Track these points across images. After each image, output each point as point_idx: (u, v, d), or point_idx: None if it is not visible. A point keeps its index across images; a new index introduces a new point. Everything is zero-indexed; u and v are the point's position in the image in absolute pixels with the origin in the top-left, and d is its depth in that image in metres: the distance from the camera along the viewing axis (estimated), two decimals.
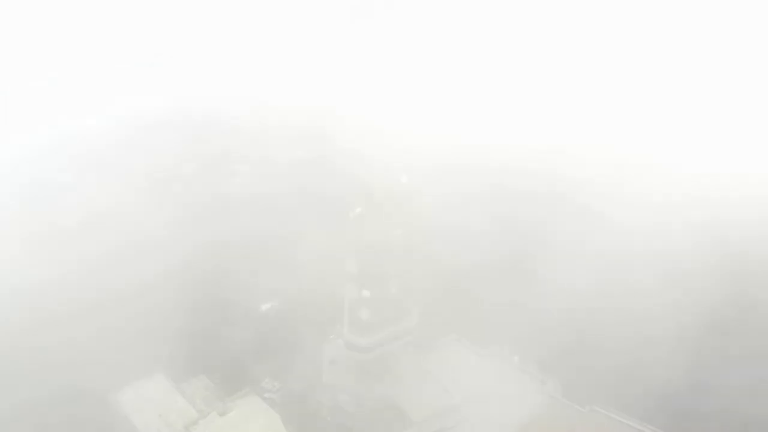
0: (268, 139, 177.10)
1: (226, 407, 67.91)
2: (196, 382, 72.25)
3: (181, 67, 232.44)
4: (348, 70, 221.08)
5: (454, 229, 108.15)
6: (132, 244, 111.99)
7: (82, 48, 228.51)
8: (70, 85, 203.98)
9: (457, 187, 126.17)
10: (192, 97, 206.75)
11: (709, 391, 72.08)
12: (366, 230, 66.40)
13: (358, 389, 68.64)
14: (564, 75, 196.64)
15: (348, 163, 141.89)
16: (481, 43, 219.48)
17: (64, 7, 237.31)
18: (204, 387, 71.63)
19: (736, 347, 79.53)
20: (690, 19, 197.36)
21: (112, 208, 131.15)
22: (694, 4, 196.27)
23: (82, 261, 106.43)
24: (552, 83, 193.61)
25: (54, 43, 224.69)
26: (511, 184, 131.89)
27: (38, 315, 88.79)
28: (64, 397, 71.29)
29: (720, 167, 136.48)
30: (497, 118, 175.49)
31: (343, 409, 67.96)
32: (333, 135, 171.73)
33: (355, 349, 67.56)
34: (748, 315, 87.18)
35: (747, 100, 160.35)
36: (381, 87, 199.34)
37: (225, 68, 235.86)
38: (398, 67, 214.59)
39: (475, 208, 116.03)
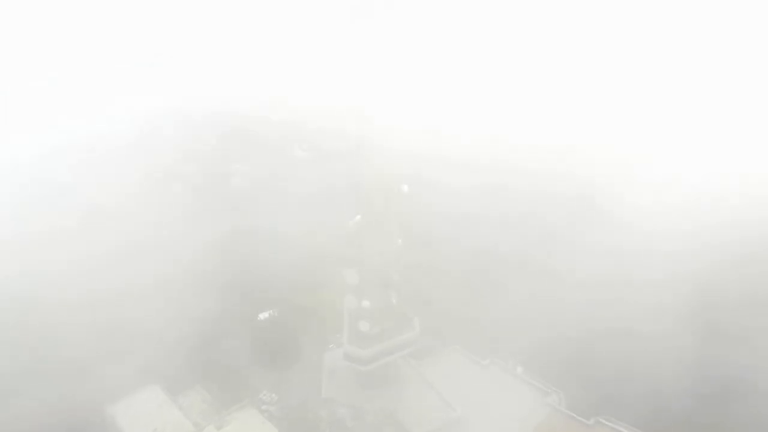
0: (268, 139, 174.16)
1: (223, 420, 64.86)
2: (193, 394, 69.02)
3: (181, 67, 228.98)
4: (348, 69, 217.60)
5: (455, 236, 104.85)
6: (129, 247, 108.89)
7: (82, 48, 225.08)
8: (70, 85, 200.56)
9: (455, 191, 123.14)
10: (192, 97, 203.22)
11: (720, 403, 68.98)
12: (366, 239, 63.40)
13: (357, 402, 65.70)
14: (571, 74, 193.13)
15: (348, 164, 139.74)
16: (485, 43, 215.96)
17: (64, 7, 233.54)
18: (201, 399, 68.44)
19: (749, 355, 76.19)
20: (706, 20, 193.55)
21: (111, 209, 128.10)
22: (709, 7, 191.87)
23: (77, 264, 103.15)
24: (555, 82, 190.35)
25: (54, 43, 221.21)
26: (514, 186, 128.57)
27: (30, 322, 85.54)
28: (56, 409, 68.19)
29: (731, 167, 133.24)
30: (498, 116, 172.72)
31: (342, 422, 64.94)
32: (333, 134, 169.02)
33: (354, 360, 64.50)
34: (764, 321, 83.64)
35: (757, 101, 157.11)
36: (381, 86, 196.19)
37: (225, 68, 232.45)
38: (398, 66, 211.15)
39: (477, 211, 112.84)
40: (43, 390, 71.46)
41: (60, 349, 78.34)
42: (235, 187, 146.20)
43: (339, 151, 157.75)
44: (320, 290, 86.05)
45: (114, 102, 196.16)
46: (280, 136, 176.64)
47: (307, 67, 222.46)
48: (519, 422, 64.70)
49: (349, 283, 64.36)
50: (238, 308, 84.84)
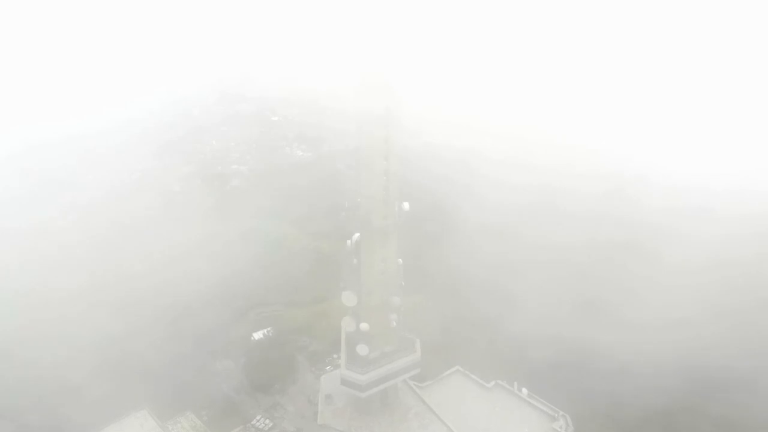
0: (268, 139, 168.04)
1: None
2: (183, 420, 63.52)
3: (182, 66, 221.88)
4: (345, 69, 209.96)
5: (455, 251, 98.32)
6: (119, 251, 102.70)
7: (82, 48, 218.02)
8: (69, 85, 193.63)
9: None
10: (191, 97, 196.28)
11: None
12: (364, 259, 57.52)
13: (355, 429, 60.17)
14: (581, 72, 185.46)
15: (348, 166, 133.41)
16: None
17: (64, 7, 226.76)
18: (191, 426, 62.99)
19: None
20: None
21: (107, 209, 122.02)
22: None
23: (70, 271, 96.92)
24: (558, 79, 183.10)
25: (54, 43, 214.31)
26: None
27: (15, 342, 79.06)
28: None
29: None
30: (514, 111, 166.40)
31: None
32: (333, 135, 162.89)
33: (352, 387, 58.99)
34: None
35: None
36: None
37: (225, 68, 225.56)
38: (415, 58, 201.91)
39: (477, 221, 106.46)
40: (26, 417, 65.49)
41: (40, 380, 71.40)
42: (235, 188, 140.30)
43: (339, 151, 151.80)
44: (319, 304, 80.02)
45: (114, 102, 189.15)
46: (280, 136, 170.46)
47: (308, 67, 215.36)
48: None
49: (346, 304, 58.71)
50: (231, 326, 78.57)
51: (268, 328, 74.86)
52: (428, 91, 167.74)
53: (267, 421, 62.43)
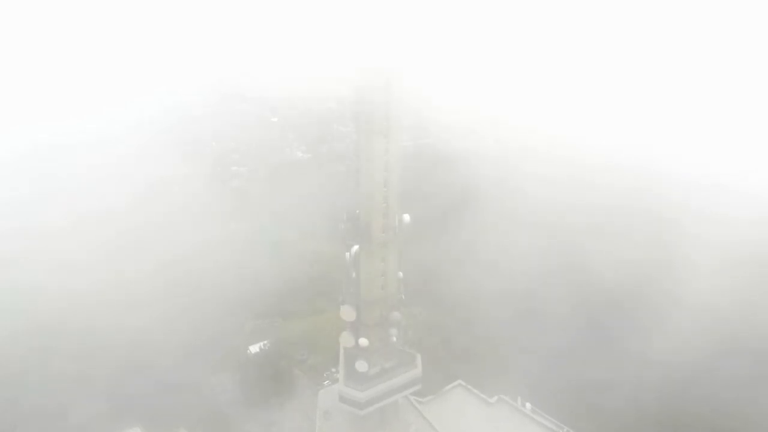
0: (268, 140, 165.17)
1: None
2: None
3: (181, 66, 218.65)
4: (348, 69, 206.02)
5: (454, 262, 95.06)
6: (120, 255, 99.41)
7: (82, 48, 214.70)
8: (70, 85, 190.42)
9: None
10: (192, 97, 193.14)
11: None
12: (364, 273, 54.55)
13: None
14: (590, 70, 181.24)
15: (348, 169, 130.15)
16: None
17: (65, 7, 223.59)
18: None
19: None
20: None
21: (107, 209, 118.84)
22: None
23: (67, 275, 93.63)
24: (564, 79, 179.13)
25: (53, 43, 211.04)
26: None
27: (8, 352, 76.01)
28: None
29: None
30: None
31: None
32: (333, 136, 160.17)
33: (351, 404, 56.13)
34: None
35: None
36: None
37: (224, 68, 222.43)
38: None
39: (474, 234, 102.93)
40: None
41: (30, 394, 68.06)
42: (234, 189, 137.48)
43: (339, 152, 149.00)
44: (318, 315, 76.94)
45: (114, 102, 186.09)
46: (280, 137, 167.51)
47: (308, 67, 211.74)
48: None
49: (345, 319, 55.76)
50: (227, 338, 75.44)
51: (265, 341, 71.84)
52: (427, 90, 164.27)
53: None
